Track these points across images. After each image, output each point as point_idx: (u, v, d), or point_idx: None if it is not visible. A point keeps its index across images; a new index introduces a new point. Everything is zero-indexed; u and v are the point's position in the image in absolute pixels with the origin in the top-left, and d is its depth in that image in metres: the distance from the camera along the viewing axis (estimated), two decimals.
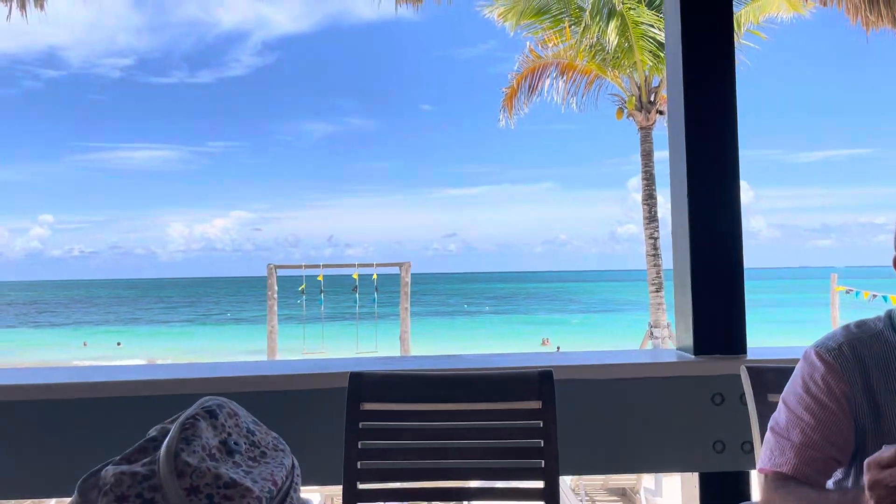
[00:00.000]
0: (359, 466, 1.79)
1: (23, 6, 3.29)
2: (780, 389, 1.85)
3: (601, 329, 41.84)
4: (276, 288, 14.47)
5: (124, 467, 0.80)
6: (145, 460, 0.81)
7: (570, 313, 55.74)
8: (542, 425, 1.80)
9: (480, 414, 1.84)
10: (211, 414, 0.88)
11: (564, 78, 12.93)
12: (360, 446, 1.81)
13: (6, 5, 3.30)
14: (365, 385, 1.85)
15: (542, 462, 1.78)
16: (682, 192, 2.45)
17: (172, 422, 0.88)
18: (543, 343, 34.75)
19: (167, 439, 0.82)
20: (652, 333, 12.34)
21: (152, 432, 0.88)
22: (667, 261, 12.57)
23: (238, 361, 2.66)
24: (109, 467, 0.81)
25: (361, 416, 1.83)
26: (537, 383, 1.83)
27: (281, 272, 14.84)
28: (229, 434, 0.88)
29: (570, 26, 12.29)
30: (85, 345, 39.59)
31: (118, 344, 39.57)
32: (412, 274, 14.87)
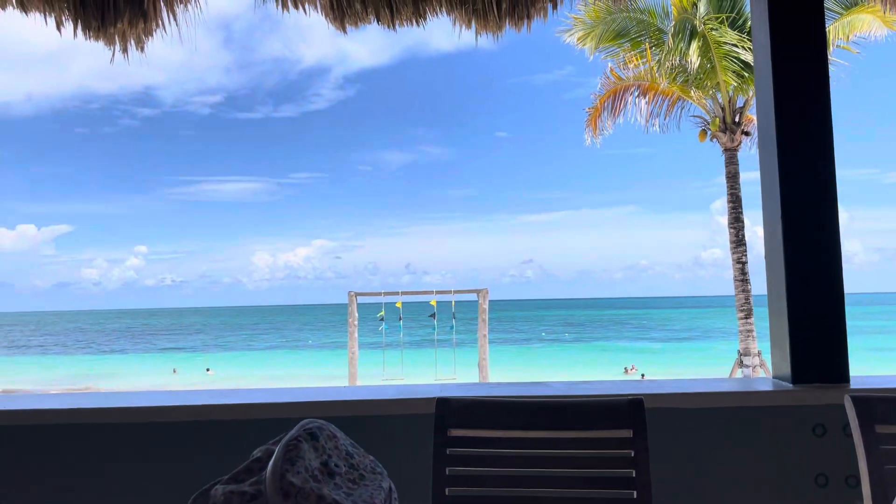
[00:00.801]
0: (447, 493, 1.79)
1: (125, 49, 3.50)
2: (890, 421, 1.74)
3: (686, 357, 40.49)
4: (356, 315, 14.72)
5: (233, 486, 0.83)
6: (252, 480, 0.84)
7: (652, 341, 54.28)
8: (633, 455, 1.76)
9: (569, 442, 1.81)
10: (312, 436, 0.91)
11: (646, 99, 12.77)
12: (447, 473, 1.81)
13: (110, 48, 3.52)
14: (452, 411, 1.85)
15: (634, 493, 1.73)
16: (776, 214, 2.37)
17: (275, 443, 0.91)
18: (626, 371, 33.92)
19: (272, 460, 0.84)
20: (742, 362, 11.86)
21: (257, 453, 0.91)
22: (757, 286, 12.10)
23: (326, 387, 2.71)
24: (218, 486, 0.84)
25: (449, 442, 1.83)
26: (628, 411, 1.79)
27: (361, 299, 15.09)
28: (329, 456, 0.90)
29: (650, 48, 12.16)
30: (175, 371, 41.15)
31: (208, 370, 40.97)
32: (490, 301, 14.84)
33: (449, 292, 15.39)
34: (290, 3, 3.36)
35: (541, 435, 1.83)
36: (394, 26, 3.36)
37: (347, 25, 3.38)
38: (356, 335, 14.72)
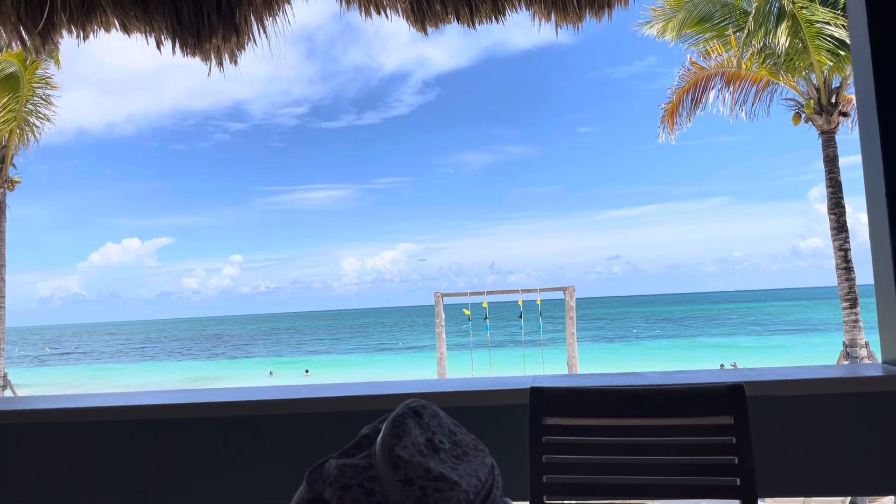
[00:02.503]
0: (544, 480, 1.81)
1: (220, 63, 3.67)
2: None
3: (786, 352, 38.75)
4: (443, 316, 14.84)
5: (345, 460, 0.87)
6: (362, 454, 0.88)
7: (749, 336, 52.21)
8: (734, 441, 1.72)
9: (668, 429, 1.79)
10: (416, 413, 0.94)
11: (731, 88, 12.31)
12: (544, 460, 1.82)
13: (206, 64, 3.70)
14: (546, 400, 1.87)
15: (737, 480, 1.69)
16: (880, 197, 2.26)
17: (382, 421, 0.95)
18: (723, 367, 32.78)
19: (381, 435, 0.89)
20: (847, 354, 11.27)
21: (365, 430, 0.95)
22: (861, 275, 11.45)
23: (420, 379, 2.77)
24: (332, 460, 0.89)
25: (545, 430, 1.84)
26: (728, 398, 1.75)
27: (447, 300, 15.19)
28: (434, 433, 0.93)
29: (734, 33, 11.72)
30: (271, 374, 42.60)
31: (306, 371, 42.22)
32: (577, 298, 14.66)
33: (534, 291, 15.28)
34: (372, 10, 3.45)
35: (637, 422, 1.81)
36: (473, 24, 3.39)
37: (428, 27, 3.43)
38: (444, 336, 14.83)
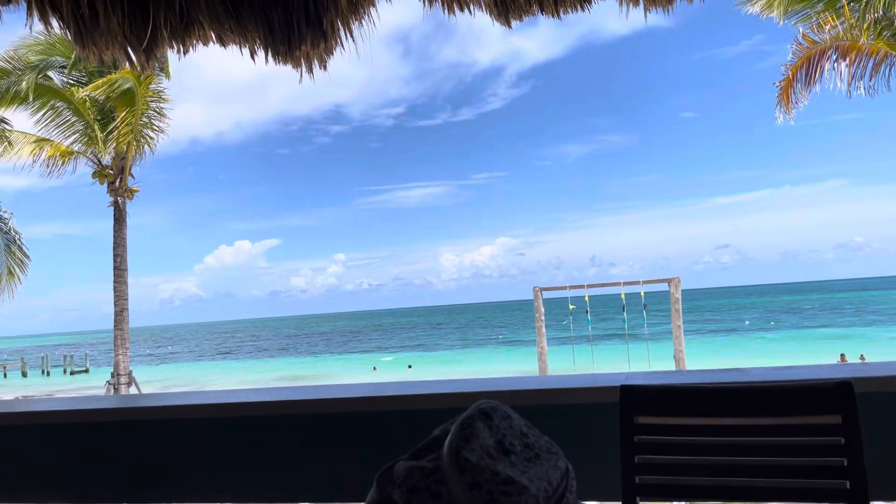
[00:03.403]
0: (637, 481, 1.75)
1: (310, 69, 3.77)
2: None
3: None
4: (542, 310, 14.70)
5: (413, 462, 0.87)
6: (431, 456, 0.88)
7: (873, 325, 48.88)
8: (843, 442, 1.60)
9: (769, 429, 1.69)
10: (486, 415, 0.93)
11: (846, 61, 11.53)
12: (636, 461, 1.76)
13: (297, 70, 3.81)
14: (638, 398, 1.80)
15: (847, 483, 1.58)
16: None
17: (453, 423, 0.94)
18: (842, 359, 30.87)
19: (448, 437, 0.88)
20: None
21: (436, 432, 0.95)
22: None
23: (509, 376, 2.75)
24: (401, 462, 0.89)
25: (636, 429, 1.78)
26: (835, 396, 1.63)
27: (546, 294, 15.04)
28: (504, 435, 0.91)
29: (847, 3, 10.97)
30: (375, 369, 43.59)
31: (409, 367, 42.99)
32: (682, 290, 14.16)
33: (638, 283, 14.88)
34: (455, 7, 3.44)
35: (736, 422, 1.72)
36: (558, 14, 3.32)
37: (512, 19, 3.39)
38: (544, 330, 14.71)
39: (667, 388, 1.82)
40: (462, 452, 0.84)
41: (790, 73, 12.08)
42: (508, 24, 3.36)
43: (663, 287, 14.45)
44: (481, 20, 3.51)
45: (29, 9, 3.52)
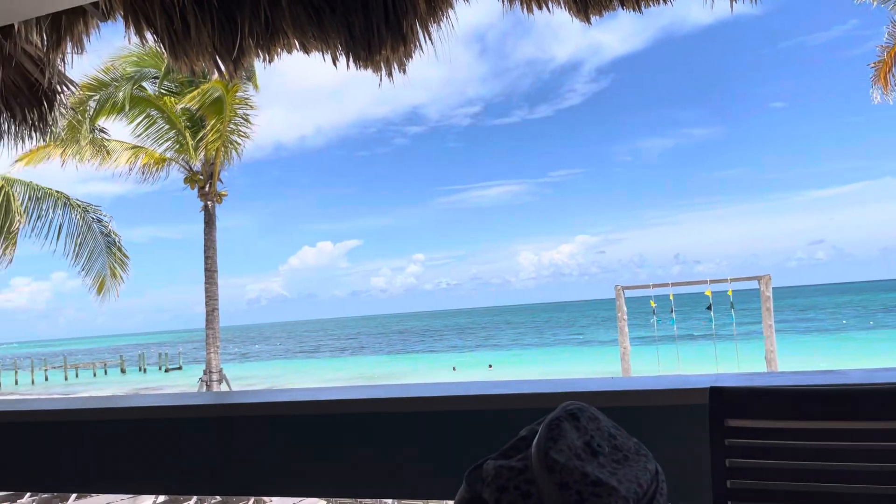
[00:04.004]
0: (728, 486, 1.70)
1: (390, 73, 3.83)
2: None
3: None
4: (625, 309, 14.43)
5: (502, 462, 0.88)
6: (519, 456, 0.88)
7: None
8: None
9: (868, 434, 1.61)
10: (573, 416, 0.93)
11: None
12: (727, 464, 1.71)
13: (377, 75, 3.88)
14: (729, 400, 1.75)
15: None
16: None
17: (539, 423, 0.94)
18: None
19: (536, 438, 0.88)
20: None
21: (523, 432, 0.95)
22: None
23: (592, 377, 2.72)
24: (489, 462, 0.90)
25: (727, 432, 1.73)
26: None
27: (629, 293, 14.75)
28: (592, 437, 0.91)
29: None
30: (454, 369, 43.79)
31: (489, 366, 43.01)
32: (773, 288, 13.61)
33: (725, 281, 14.39)
34: (534, 5, 3.43)
35: (833, 425, 1.65)
36: (639, 8, 3.26)
37: (592, 15, 3.36)
38: (626, 330, 14.43)
39: (760, 390, 1.76)
40: (550, 453, 0.84)
41: (888, 54, 11.44)
42: (588, 21, 3.33)
43: (752, 285, 13.92)
44: (560, 17, 3.48)
45: (126, 23, 3.72)
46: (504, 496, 0.84)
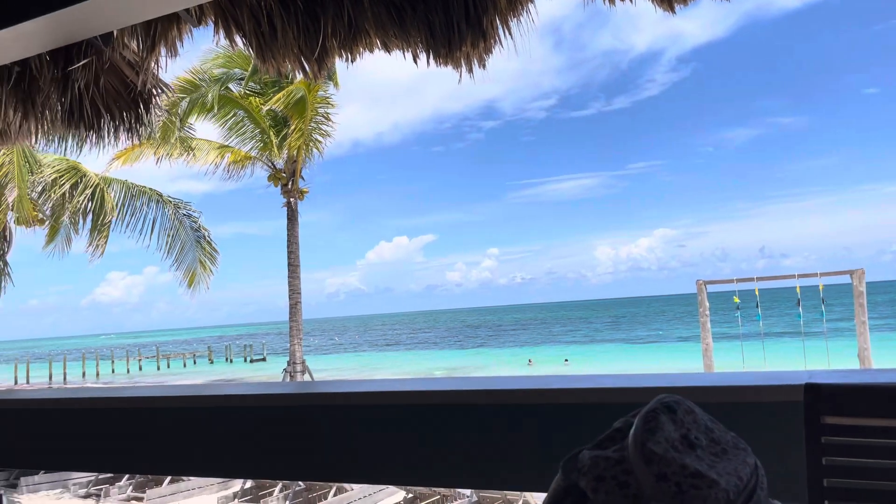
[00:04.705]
0: (825, 484, 1.65)
1: (470, 69, 3.86)
2: None
3: None
4: (707, 304, 14.04)
5: (598, 452, 0.89)
6: (615, 447, 0.89)
7: None
8: None
9: None
10: (669, 409, 0.93)
11: None
12: (824, 462, 1.66)
13: (457, 71, 3.91)
14: (825, 397, 1.70)
15: None
16: None
17: (634, 416, 0.95)
18: None
19: (633, 429, 0.89)
20: None
21: (617, 424, 0.96)
22: None
23: (683, 373, 2.67)
24: (585, 452, 0.91)
25: (823, 430, 1.68)
26: None
27: (711, 288, 14.33)
28: (689, 429, 0.91)
29: None
30: (530, 363, 43.57)
31: (566, 361, 42.62)
32: (867, 282, 12.96)
33: (814, 275, 13.79)
34: None
35: None
36: None
37: (676, 4, 3.28)
38: (709, 325, 14.04)
39: (858, 387, 1.70)
40: (647, 444, 0.85)
41: None
42: (672, 10, 3.26)
43: (844, 279, 13.30)
44: (642, 6, 3.42)
45: (216, 27, 3.87)
46: (601, 485, 0.85)
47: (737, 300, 14.75)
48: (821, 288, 14.00)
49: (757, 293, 14.45)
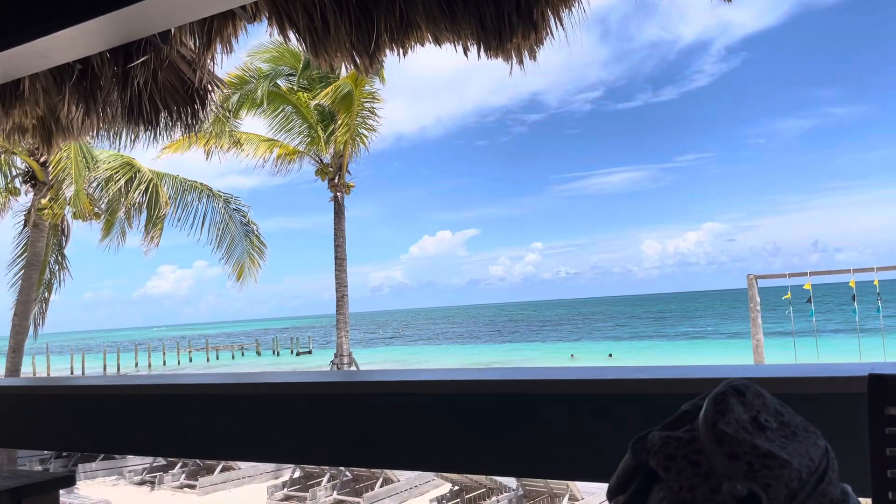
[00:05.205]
0: (889, 475, 1.63)
1: (520, 61, 3.86)
2: None
3: None
4: (758, 299, 13.76)
5: (668, 432, 0.91)
6: (685, 428, 0.91)
7: None
8: None
9: None
10: (738, 392, 0.94)
11: None
12: (888, 453, 1.64)
13: (507, 63, 3.91)
14: (890, 388, 1.68)
15: None
16: None
17: (702, 399, 0.96)
18: None
19: (703, 410, 0.90)
20: None
21: (685, 406, 0.97)
22: None
23: (732, 364, 2.65)
24: (654, 433, 0.93)
25: (887, 421, 1.66)
26: None
27: (762, 283, 14.03)
28: (758, 412, 0.92)
29: None
30: (573, 357, 43.28)
31: (609, 356, 42.22)
32: None
33: (871, 270, 13.39)
34: None
35: None
36: None
37: None
38: (759, 321, 13.75)
39: None
40: (719, 425, 0.86)
41: None
42: None
43: None
44: None
45: (270, 23, 3.95)
46: (673, 465, 0.87)
47: (789, 296, 14.42)
48: (876, 283, 13.59)
49: (809, 288, 14.11)
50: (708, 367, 2.47)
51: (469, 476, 11.49)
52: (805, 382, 2.07)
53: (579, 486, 11.43)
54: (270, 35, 4.05)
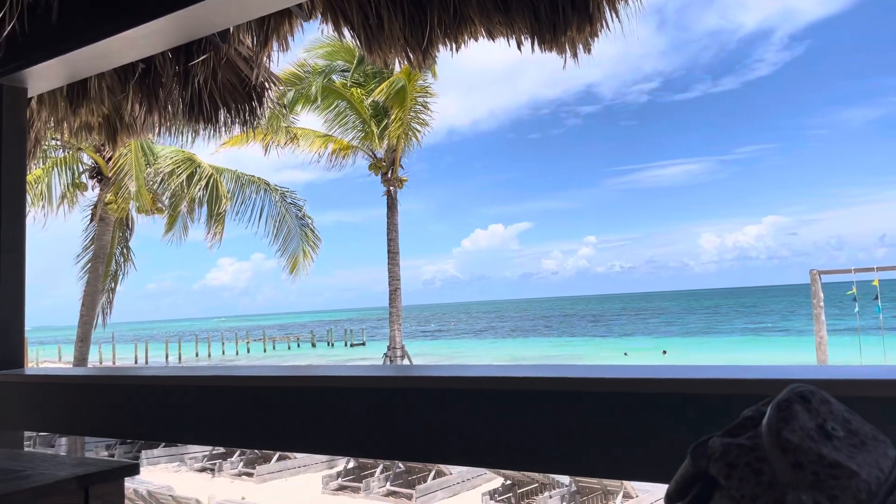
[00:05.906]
0: None
1: (575, 54, 3.82)
2: None
3: None
4: (821, 295, 13.33)
5: (729, 439, 0.89)
6: (747, 435, 0.88)
7: None
8: None
9: None
10: (803, 398, 0.91)
11: None
12: None
13: (561, 56, 3.87)
14: None
15: None
16: None
17: (765, 404, 0.94)
18: None
19: (766, 418, 0.88)
20: None
21: (747, 412, 0.95)
22: None
23: (794, 365, 2.57)
24: (715, 439, 0.91)
25: None
26: None
27: (826, 278, 13.58)
28: (825, 420, 0.89)
29: None
30: (626, 354, 42.67)
31: (664, 352, 41.49)
32: None
33: None
34: None
35: None
36: None
37: None
38: (823, 318, 13.33)
39: None
40: (783, 433, 0.84)
41: None
42: None
43: None
44: None
45: (324, 20, 4.00)
46: (734, 472, 0.85)
47: (854, 291, 13.92)
48: None
49: (876, 284, 13.59)
50: (767, 367, 2.40)
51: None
52: (873, 385, 1.99)
53: (633, 484, 11.30)
54: (323, 32, 4.10)
